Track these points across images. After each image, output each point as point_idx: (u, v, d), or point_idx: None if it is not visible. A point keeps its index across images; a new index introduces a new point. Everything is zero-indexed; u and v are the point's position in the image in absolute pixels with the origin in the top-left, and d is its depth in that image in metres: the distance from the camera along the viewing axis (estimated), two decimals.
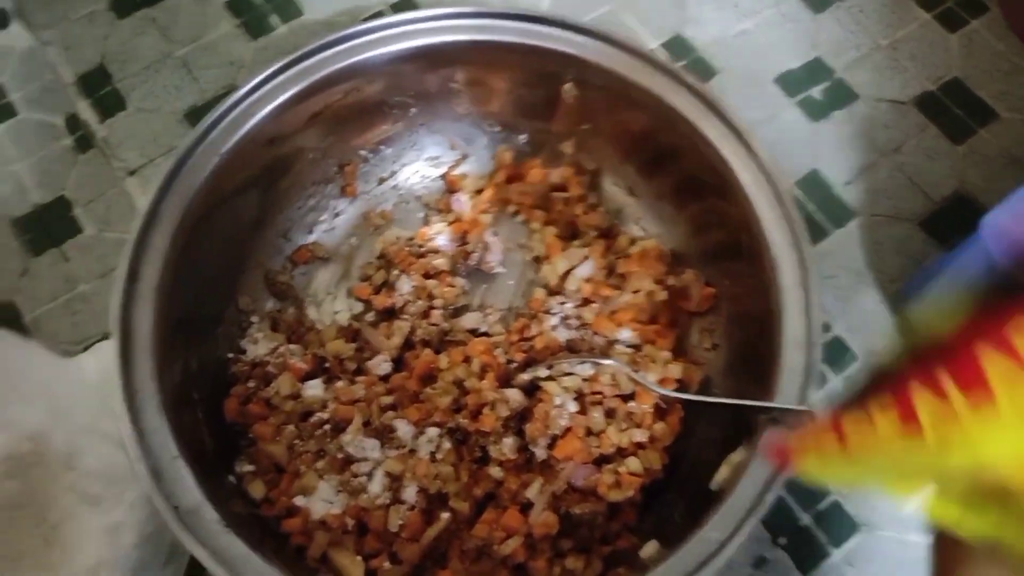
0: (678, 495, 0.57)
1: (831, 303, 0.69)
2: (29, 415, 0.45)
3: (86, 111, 0.75)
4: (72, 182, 0.80)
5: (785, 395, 0.51)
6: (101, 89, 0.78)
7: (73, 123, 0.83)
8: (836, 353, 0.66)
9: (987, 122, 0.76)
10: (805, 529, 0.61)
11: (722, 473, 0.52)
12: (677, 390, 0.59)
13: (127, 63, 0.79)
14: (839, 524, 0.61)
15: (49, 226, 0.77)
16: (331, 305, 0.65)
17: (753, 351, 0.59)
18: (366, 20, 0.61)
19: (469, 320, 0.64)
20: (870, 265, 0.71)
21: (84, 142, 0.82)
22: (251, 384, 0.57)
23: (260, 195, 0.62)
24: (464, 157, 0.71)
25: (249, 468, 0.54)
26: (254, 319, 0.61)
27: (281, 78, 0.59)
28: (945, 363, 0.29)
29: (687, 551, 0.47)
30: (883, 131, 0.76)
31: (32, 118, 0.84)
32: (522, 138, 0.70)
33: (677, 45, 0.81)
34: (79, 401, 0.47)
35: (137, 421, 0.45)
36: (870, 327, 0.68)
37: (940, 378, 0.29)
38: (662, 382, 0.59)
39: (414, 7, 0.80)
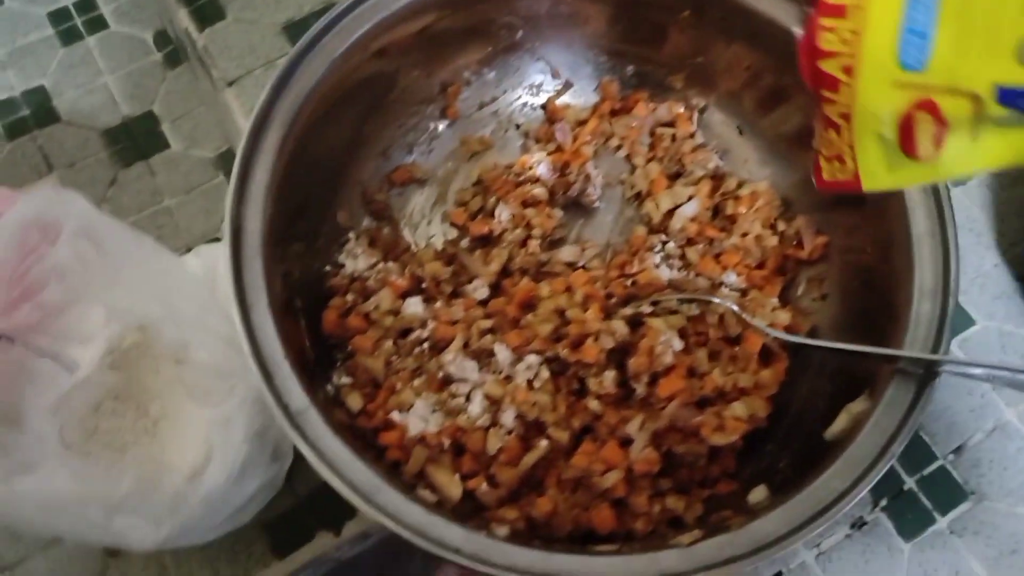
0: (780, 446, 0.54)
1: None
2: (139, 306, 0.44)
3: (185, 19, 0.74)
4: (160, 98, 0.80)
5: (913, 345, 0.48)
6: None
7: (161, 39, 0.82)
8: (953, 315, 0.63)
9: None
10: (909, 493, 0.58)
11: (840, 423, 0.49)
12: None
13: None
14: (946, 490, 0.58)
15: (138, 139, 0.78)
16: (426, 229, 0.64)
17: (868, 303, 0.56)
18: None
19: (567, 253, 0.62)
20: (990, 226, 0.67)
21: (173, 58, 0.82)
22: (349, 298, 0.56)
23: (364, 109, 0.60)
24: (567, 86, 0.68)
25: (346, 380, 0.53)
26: (351, 235, 0.60)
27: None
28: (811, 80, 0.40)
29: (803, 498, 0.44)
30: None
31: (122, 31, 0.84)
32: (629, 69, 0.67)
33: None
34: (188, 296, 0.46)
35: (248, 319, 0.44)
36: (988, 289, 0.64)
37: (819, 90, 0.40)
38: (769, 327, 0.56)
39: None
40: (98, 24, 0.84)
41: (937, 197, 0.51)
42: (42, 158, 0.76)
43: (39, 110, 0.78)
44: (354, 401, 0.52)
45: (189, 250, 0.60)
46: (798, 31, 0.40)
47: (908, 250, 0.51)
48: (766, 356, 0.57)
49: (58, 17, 0.84)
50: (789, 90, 0.61)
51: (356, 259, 0.58)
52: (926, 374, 0.46)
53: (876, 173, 0.38)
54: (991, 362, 0.46)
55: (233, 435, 0.42)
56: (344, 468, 0.43)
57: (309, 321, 0.54)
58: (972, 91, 0.32)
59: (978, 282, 0.64)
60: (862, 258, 0.58)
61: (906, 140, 0.35)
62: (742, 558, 0.42)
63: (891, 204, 0.53)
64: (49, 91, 0.79)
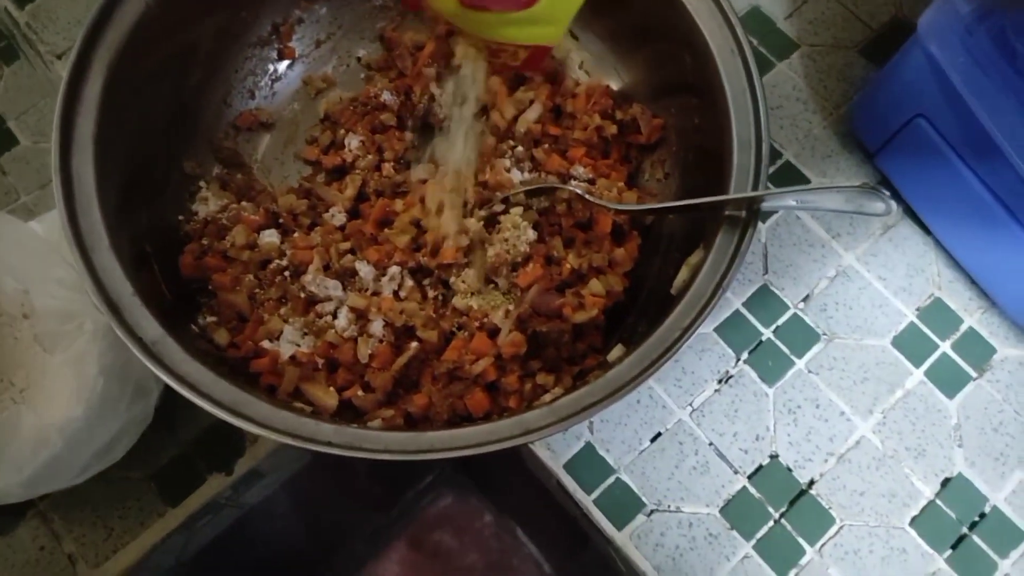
0: (640, 315, 0.58)
1: (780, 132, 0.69)
2: None
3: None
4: (1, 96, 0.77)
5: (737, 191, 0.52)
6: None
7: None
8: (789, 176, 0.68)
9: None
10: (768, 343, 0.63)
11: (681, 275, 0.53)
12: (632, 217, 0.60)
13: None
14: (800, 335, 0.63)
15: None
16: (280, 170, 0.64)
17: (702, 172, 0.60)
18: None
19: (421, 171, 0.63)
20: (814, 93, 0.71)
21: (8, 53, 0.79)
22: (205, 241, 0.56)
23: (190, 55, 0.59)
24: (402, 16, 0.69)
25: (212, 319, 0.53)
26: (202, 183, 0.60)
27: None
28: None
29: (652, 343, 0.48)
30: None
31: None
32: None
33: None
34: (25, 250, 0.46)
35: (88, 260, 0.44)
36: (818, 151, 0.69)
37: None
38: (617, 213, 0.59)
39: None
40: None
41: (744, 59, 0.55)
42: None
43: None
44: (221, 336, 0.52)
45: None
46: None
47: (727, 112, 0.54)
48: (620, 238, 0.60)
49: None
50: None
51: (207, 203, 0.58)
52: (748, 214, 0.50)
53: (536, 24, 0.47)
54: (797, 188, 0.49)
55: (86, 370, 0.43)
56: (207, 388, 0.43)
57: (166, 270, 0.54)
58: None
59: (809, 144, 0.69)
60: (694, 134, 0.61)
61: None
62: (598, 403, 0.45)
63: (711, 75, 0.56)
64: None
